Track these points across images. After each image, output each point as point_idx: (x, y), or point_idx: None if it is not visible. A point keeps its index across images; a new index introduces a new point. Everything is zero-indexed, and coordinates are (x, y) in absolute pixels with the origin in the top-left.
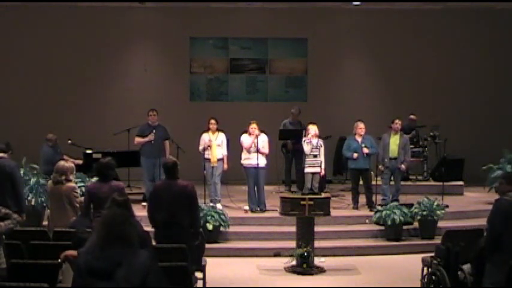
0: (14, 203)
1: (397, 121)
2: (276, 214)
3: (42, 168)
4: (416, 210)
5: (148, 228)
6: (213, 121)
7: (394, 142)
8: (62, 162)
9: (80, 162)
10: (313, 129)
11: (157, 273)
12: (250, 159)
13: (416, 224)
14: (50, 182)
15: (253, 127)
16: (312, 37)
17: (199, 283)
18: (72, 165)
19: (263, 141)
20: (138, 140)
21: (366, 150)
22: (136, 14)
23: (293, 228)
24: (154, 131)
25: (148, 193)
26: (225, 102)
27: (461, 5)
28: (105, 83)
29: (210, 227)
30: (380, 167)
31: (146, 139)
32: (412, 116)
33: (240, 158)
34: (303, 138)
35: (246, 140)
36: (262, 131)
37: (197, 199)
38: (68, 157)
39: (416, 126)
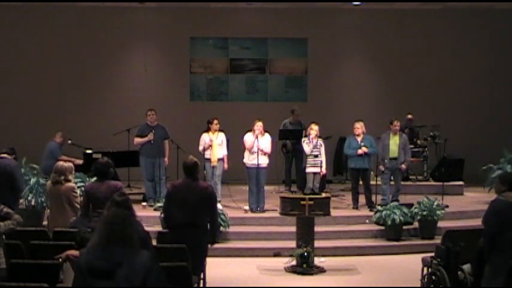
0: (13, 202)
1: (395, 122)
2: (276, 214)
3: (45, 163)
4: (416, 210)
5: (149, 228)
6: (216, 121)
7: (394, 142)
8: (60, 163)
9: (80, 162)
10: (314, 129)
11: (158, 273)
12: (253, 160)
13: (416, 224)
14: (49, 182)
15: (259, 125)
16: (312, 37)
17: (200, 283)
18: (71, 165)
19: (266, 141)
20: (137, 140)
21: (364, 150)
22: (136, 14)
23: (293, 228)
24: (153, 131)
25: (148, 192)
26: (225, 102)
27: (461, 5)
28: (105, 83)
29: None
30: (380, 167)
31: (145, 139)
32: (409, 116)
33: (242, 157)
34: (303, 139)
35: (248, 140)
36: (266, 131)
37: (217, 200)
38: (66, 158)
39: (413, 125)
